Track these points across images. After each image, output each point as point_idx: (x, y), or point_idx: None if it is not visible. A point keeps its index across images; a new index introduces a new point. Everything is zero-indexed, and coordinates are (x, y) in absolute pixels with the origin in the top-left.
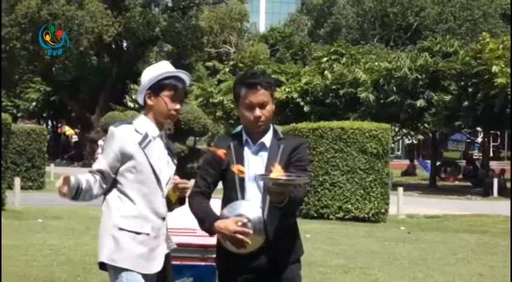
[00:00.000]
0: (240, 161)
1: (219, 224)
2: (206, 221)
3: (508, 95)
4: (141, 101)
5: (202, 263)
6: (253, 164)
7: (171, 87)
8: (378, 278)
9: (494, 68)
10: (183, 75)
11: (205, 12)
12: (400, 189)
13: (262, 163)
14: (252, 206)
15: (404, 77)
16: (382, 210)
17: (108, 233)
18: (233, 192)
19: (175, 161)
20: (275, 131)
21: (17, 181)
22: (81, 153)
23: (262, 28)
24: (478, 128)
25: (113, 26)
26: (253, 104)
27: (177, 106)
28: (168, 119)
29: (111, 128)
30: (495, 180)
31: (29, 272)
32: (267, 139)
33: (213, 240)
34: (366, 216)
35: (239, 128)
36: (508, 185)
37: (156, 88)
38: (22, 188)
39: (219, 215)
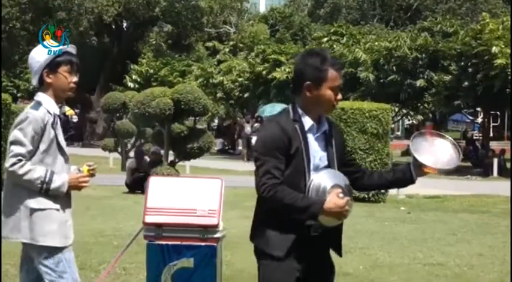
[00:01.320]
0: (306, 147)
1: (328, 205)
2: (313, 206)
3: (508, 75)
4: (36, 82)
5: (203, 243)
6: (316, 151)
7: (67, 62)
8: (377, 258)
9: (494, 49)
10: (73, 49)
11: None
12: None
13: (324, 150)
14: (332, 173)
15: (404, 56)
16: (382, 191)
17: (21, 213)
18: (301, 180)
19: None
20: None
21: None
22: (81, 134)
23: (262, 8)
24: (478, 108)
25: (112, 6)
26: (339, 87)
27: (75, 79)
28: (69, 92)
29: (31, 112)
30: (495, 161)
31: None
32: (326, 124)
33: (213, 221)
34: (366, 196)
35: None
36: (508, 165)
37: (53, 65)
38: None
39: (317, 197)
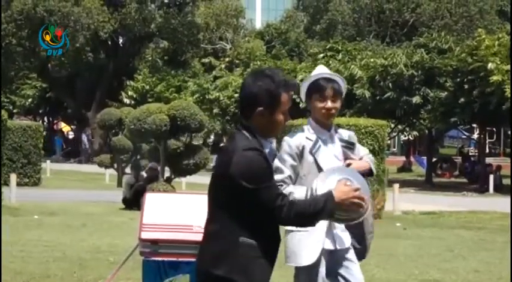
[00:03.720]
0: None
1: (338, 194)
2: (328, 203)
3: (504, 92)
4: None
5: None
6: None
7: (317, 89)
8: (374, 274)
9: (490, 65)
10: (331, 75)
11: (201, 8)
12: (396, 185)
13: None
14: (333, 170)
15: (400, 73)
16: (378, 207)
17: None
18: None
19: (352, 147)
20: None
21: (13, 177)
22: (77, 150)
23: (258, 24)
24: (474, 125)
25: (109, 23)
26: (287, 110)
27: (328, 104)
28: (323, 117)
29: (286, 139)
30: (491, 177)
31: (25, 268)
32: (275, 148)
33: None
34: None
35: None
36: (504, 181)
37: (309, 92)
38: (18, 184)
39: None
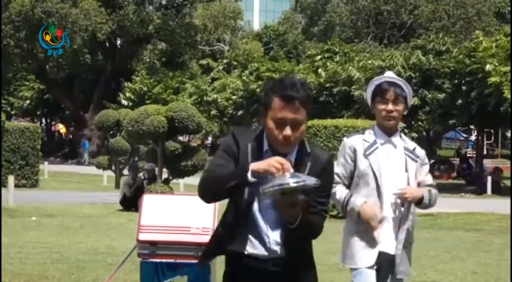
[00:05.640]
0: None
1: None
2: (239, 168)
3: (502, 93)
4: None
5: (196, 261)
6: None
7: (379, 92)
8: None
9: (488, 67)
10: (394, 79)
11: (199, 10)
12: None
13: None
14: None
15: (398, 75)
16: None
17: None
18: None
19: (415, 159)
20: (303, 144)
21: (11, 179)
22: (75, 151)
23: (256, 26)
24: (472, 126)
25: (106, 24)
26: (285, 121)
27: (389, 107)
28: (384, 119)
29: (344, 139)
30: (489, 178)
31: (23, 270)
32: (294, 154)
33: (207, 238)
34: None
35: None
36: (502, 183)
37: (373, 96)
38: (16, 186)
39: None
